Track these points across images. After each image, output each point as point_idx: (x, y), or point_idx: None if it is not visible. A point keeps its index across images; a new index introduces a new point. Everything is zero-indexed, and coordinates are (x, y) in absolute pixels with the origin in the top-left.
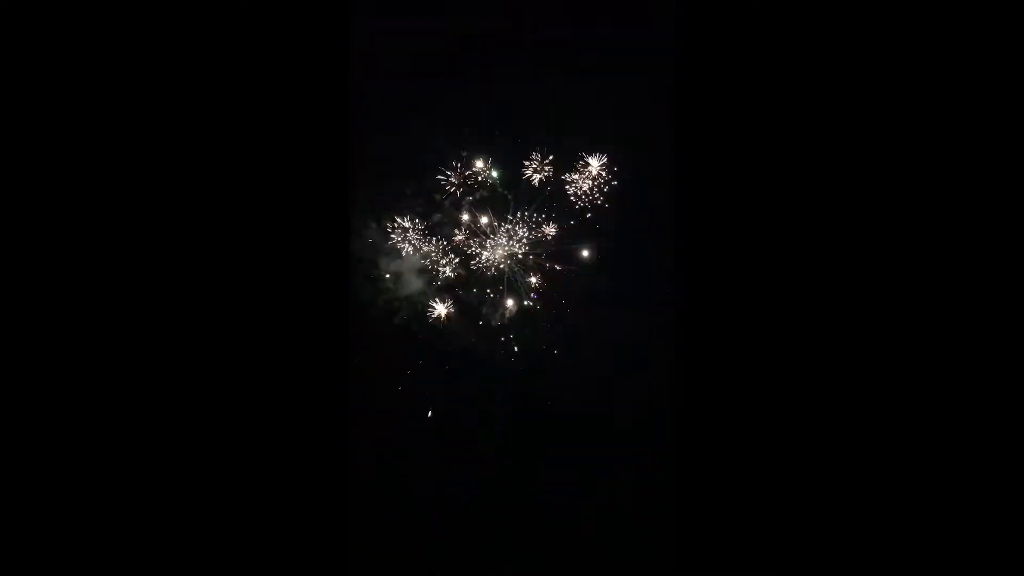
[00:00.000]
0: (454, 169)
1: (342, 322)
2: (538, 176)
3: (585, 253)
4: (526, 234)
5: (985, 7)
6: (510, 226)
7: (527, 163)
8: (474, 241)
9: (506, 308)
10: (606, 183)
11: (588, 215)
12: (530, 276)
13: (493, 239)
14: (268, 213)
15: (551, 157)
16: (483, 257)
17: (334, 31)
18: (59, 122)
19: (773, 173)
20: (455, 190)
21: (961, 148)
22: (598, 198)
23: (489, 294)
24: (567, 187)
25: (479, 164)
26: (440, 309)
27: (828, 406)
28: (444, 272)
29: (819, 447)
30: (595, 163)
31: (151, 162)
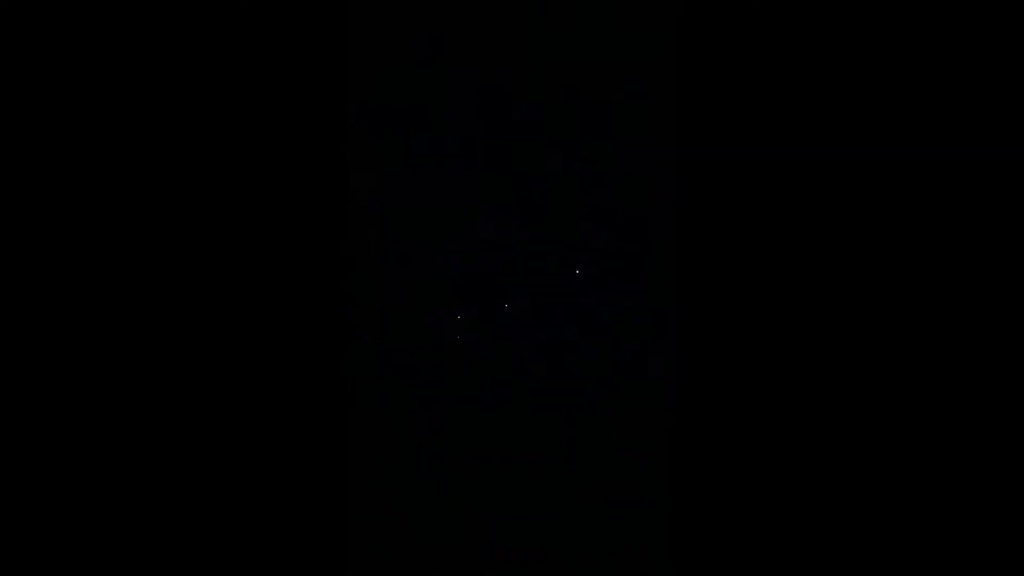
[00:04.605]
0: None
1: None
2: None
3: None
4: None
5: (988, 1)
6: None
7: None
8: None
9: None
10: None
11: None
12: None
13: None
14: (263, 214)
15: None
16: None
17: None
18: (50, 116)
19: (780, 170)
20: None
21: (981, 140)
22: None
23: None
24: None
25: None
26: None
27: (840, 419)
28: None
29: (825, 456)
30: None
31: (144, 158)
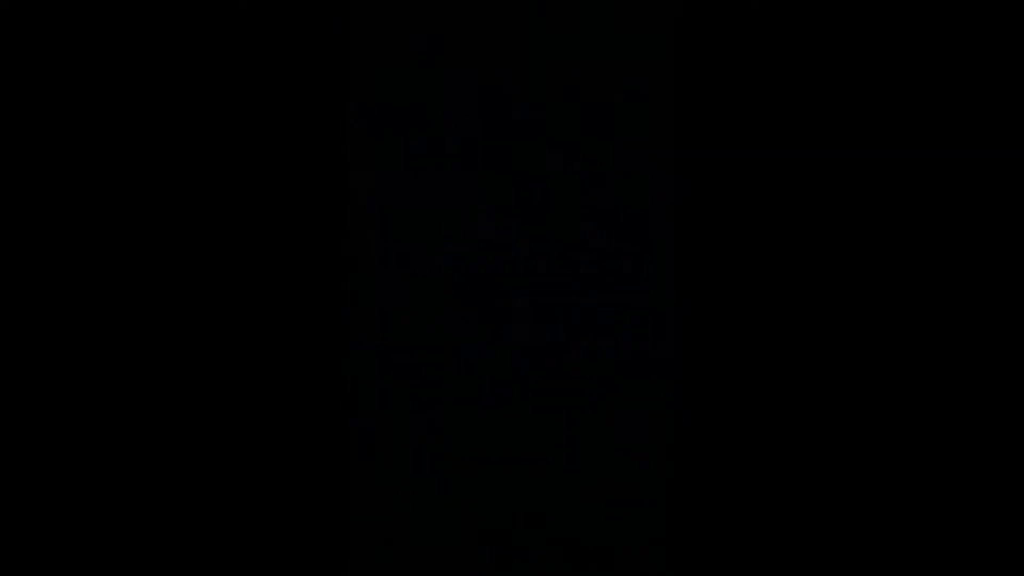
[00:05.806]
0: None
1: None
2: None
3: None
4: None
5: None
6: None
7: None
8: None
9: None
10: None
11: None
12: None
13: None
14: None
15: None
16: None
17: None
18: (49, 116)
19: (780, 170)
20: None
21: (981, 140)
22: None
23: None
24: None
25: None
26: None
27: (842, 419)
28: None
29: (828, 457)
30: None
31: (142, 158)
